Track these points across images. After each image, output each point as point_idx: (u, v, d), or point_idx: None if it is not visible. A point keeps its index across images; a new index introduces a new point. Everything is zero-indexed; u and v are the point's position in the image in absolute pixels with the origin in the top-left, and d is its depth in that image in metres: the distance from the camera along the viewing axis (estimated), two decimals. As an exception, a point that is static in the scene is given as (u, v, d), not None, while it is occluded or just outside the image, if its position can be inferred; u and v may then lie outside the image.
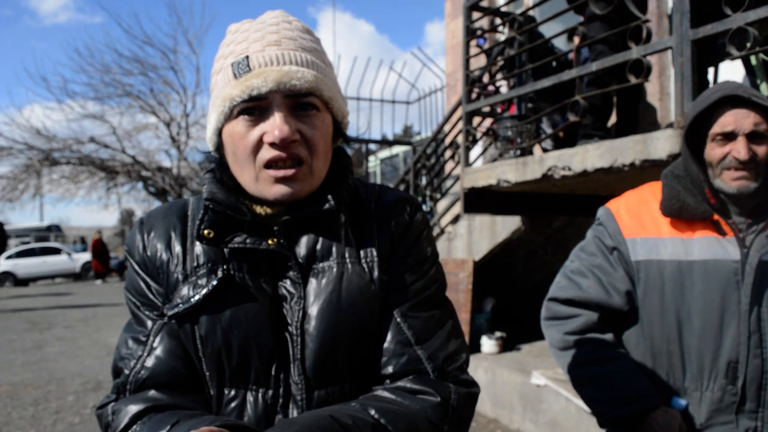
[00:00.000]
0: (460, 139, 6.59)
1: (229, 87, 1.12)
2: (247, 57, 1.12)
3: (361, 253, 1.22)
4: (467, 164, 5.05)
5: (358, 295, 1.17)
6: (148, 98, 23.41)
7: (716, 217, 1.81)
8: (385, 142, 16.40)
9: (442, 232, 7.59)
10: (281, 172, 1.14)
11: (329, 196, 1.20)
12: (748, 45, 3.03)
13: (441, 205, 8.19)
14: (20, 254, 25.06)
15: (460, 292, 6.29)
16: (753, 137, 1.76)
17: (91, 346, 9.60)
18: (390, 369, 1.17)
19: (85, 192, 24.82)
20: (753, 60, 3.87)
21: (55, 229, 36.00)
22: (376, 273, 1.20)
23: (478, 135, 5.32)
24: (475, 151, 6.70)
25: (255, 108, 1.13)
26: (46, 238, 32.90)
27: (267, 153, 1.13)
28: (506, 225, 6.03)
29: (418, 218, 1.29)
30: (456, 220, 7.29)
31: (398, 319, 1.20)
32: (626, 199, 2.04)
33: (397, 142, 16.76)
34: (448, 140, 7.80)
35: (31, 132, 22.76)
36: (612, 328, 1.98)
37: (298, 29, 1.20)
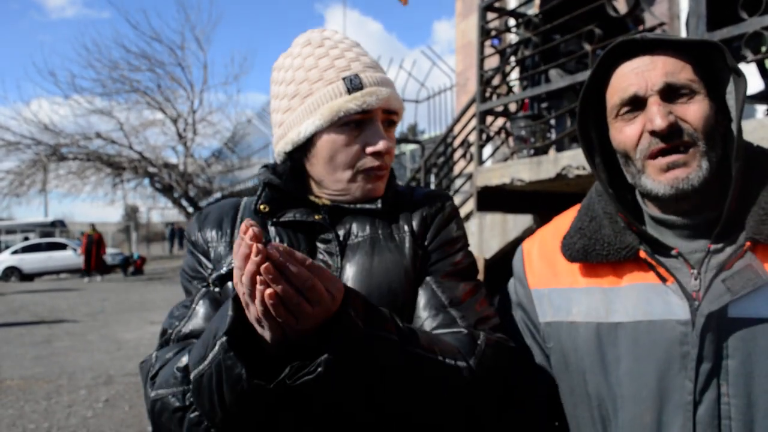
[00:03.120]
0: (471, 137, 6.64)
1: (342, 99, 1.28)
2: (357, 75, 1.29)
3: (394, 229, 1.35)
4: (480, 163, 5.10)
5: (389, 262, 1.30)
6: (156, 94, 23.44)
7: (642, 253, 1.18)
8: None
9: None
10: (379, 173, 1.33)
11: (383, 196, 1.37)
12: (764, 48, 3.08)
13: (450, 204, 8.22)
14: (26, 249, 25.13)
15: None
16: (671, 94, 1.14)
17: (100, 341, 9.68)
18: (426, 328, 1.26)
19: (91, 188, 24.81)
20: (767, 63, 3.91)
21: (59, 225, 36.08)
22: (407, 245, 1.33)
23: (491, 134, 5.37)
24: (486, 150, 6.74)
25: (360, 120, 1.30)
26: (50, 234, 32.97)
27: (370, 161, 1.31)
28: (517, 224, 6.07)
29: (449, 206, 1.42)
30: (467, 218, 7.33)
31: (433, 286, 1.31)
32: (544, 232, 1.46)
33: (406, 140, 16.78)
34: (459, 139, 7.84)
35: (38, 127, 22.79)
36: None
37: (369, 54, 1.40)
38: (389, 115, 1.34)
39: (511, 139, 5.32)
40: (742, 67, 4.75)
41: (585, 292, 1.27)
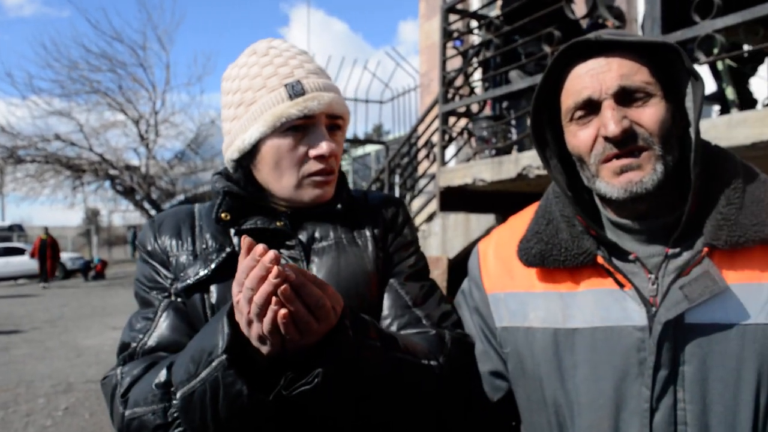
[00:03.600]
0: (435, 138, 6.68)
1: (283, 105, 1.29)
2: (299, 81, 1.30)
3: (356, 234, 1.39)
4: (443, 163, 5.14)
5: (355, 267, 1.34)
6: (117, 95, 23.03)
7: (600, 259, 1.17)
8: (357, 141, 16.44)
9: (417, 230, 7.66)
10: (323, 178, 1.34)
11: (338, 199, 1.40)
12: (716, 51, 3.16)
13: (415, 204, 8.27)
14: (-18, 255, 24.48)
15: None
16: (626, 97, 1.12)
17: (59, 348, 9.47)
18: (393, 329, 1.30)
19: (50, 191, 24.30)
20: (720, 65, 4.01)
21: (17, 229, 35.21)
22: (370, 249, 1.37)
23: (454, 135, 5.41)
24: (449, 150, 6.79)
25: (303, 126, 1.31)
26: (8, 239, 32.11)
27: (313, 166, 1.32)
28: (480, 223, 6.12)
29: (402, 211, 1.50)
30: (430, 218, 7.37)
31: (397, 287, 1.37)
32: (500, 233, 1.43)
33: (370, 141, 16.80)
34: (422, 140, 7.88)
35: (-6, 129, 22.22)
36: None
37: (315, 61, 1.42)
38: (334, 120, 1.35)
39: (473, 140, 5.37)
40: (696, 68, 4.85)
41: (542, 297, 1.25)
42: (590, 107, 1.14)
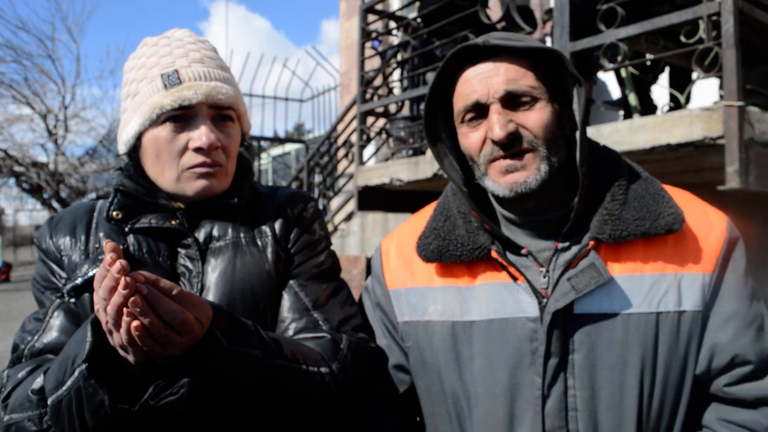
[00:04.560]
0: (354, 138, 6.70)
1: (158, 96, 1.24)
2: (176, 70, 1.25)
3: (257, 233, 1.34)
4: (361, 163, 5.17)
5: (251, 268, 1.29)
6: (22, 88, 21.83)
7: (494, 254, 1.21)
8: (277, 140, 16.27)
9: (336, 229, 7.67)
10: (204, 169, 1.28)
11: (235, 193, 1.34)
12: (619, 58, 3.32)
13: (334, 203, 8.28)
14: None
15: (353, 288, 6.36)
16: (513, 101, 1.17)
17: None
18: (289, 333, 1.28)
19: (-51, 188, 22.84)
20: (623, 73, 4.21)
21: None
22: (269, 250, 1.33)
23: (372, 134, 5.45)
24: (368, 150, 6.83)
25: (182, 116, 1.26)
26: None
27: (193, 158, 1.27)
28: (398, 222, 6.14)
29: (311, 207, 1.44)
30: (349, 217, 7.39)
31: (296, 289, 1.33)
32: (402, 230, 1.46)
33: (289, 140, 16.65)
34: (341, 139, 7.90)
35: None
36: None
37: (212, 49, 1.36)
38: (220, 111, 1.30)
39: (391, 140, 5.42)
40: (601, 75, 5.09)
41: (441, 291, 1.28)
42: (479, 110, 1.19)
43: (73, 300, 1.26)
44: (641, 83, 4.39)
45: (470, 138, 1.21)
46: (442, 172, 4.12)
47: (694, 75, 3.52)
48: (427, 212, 1.41)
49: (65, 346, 1.09)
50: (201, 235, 1.32)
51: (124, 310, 0.93)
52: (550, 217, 1.24)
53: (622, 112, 4.78)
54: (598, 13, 3.30)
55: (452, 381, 1.25)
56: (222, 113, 1.30)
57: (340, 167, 8.06)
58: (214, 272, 1.27)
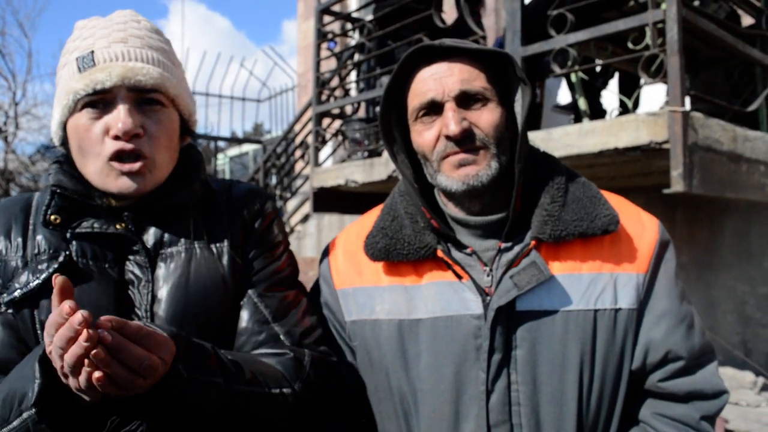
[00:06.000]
0: (310, 139, 6.68)
1: (73, 81, 1.14)
2: (92, 52, 1.15)
3: (211, 238, 1.26)
4: (317, 164, 5.15)
5: (206, 278, 1.21)
6: (-31, 83, 21.20)
7: (440, 253, 1.24)
8: (234, 140, 16.09)
9: (292, 231, 7.63)
10: (126, 166, 1.16)
11: (183, 190, 1.24)
12: (569, 63, 3.38)
13: (291, 205, 8.22)
14: None
15: (310, 290, 6.36)
16: (466, 100, 1.22)
17: None
18: (249, 347, 1.22)
19: None
20: (573, 77, 4.30)
21: None
22: (225, 257, 1.24)
23: (328, 136, 5.44)
24: (325, 151, 6.82)
25: (99, 101, 1.15)
26: None
27: (111, 146, 1.15)
28: (354, 224, 6.19)
29: (268, 207, 1.35)
30: (306, 219, 7.36)
31: (255, 299, 1.25)
32: (349, 231, 1.48)
33: (247, 140, 16.49)
34: (298, 140, 7.87)
35: None
36: None
37: (147, 29, 1.24)
38: (142, 94, 1.17)
39: (346, 142, 5.42)
40: (552, 80, 5.17)
41: (388, 290, 1.30)
42: (434, 108, 1.23)
43: (11, 311, 1.16)
44: (591, 88, 4.49)
45: (424, 135, 1.24)
46: (397, 174, 4.14)
47: (642, 81, 3.61)
48: (374, 213, 1.43)
49: (8, 377, 1.02)
50: (150, 239, 1.22)
51: (86, 361, 0.86)
52: (493, 218, 1.27)
53: (572, 117, 4.87)
54: (548, 18, 3.36)
55: (399, 379, 1.27)
56: (146, 96, 1.17)
57: (297, 168, 8.02)
58: (166, 282, 1.18)
